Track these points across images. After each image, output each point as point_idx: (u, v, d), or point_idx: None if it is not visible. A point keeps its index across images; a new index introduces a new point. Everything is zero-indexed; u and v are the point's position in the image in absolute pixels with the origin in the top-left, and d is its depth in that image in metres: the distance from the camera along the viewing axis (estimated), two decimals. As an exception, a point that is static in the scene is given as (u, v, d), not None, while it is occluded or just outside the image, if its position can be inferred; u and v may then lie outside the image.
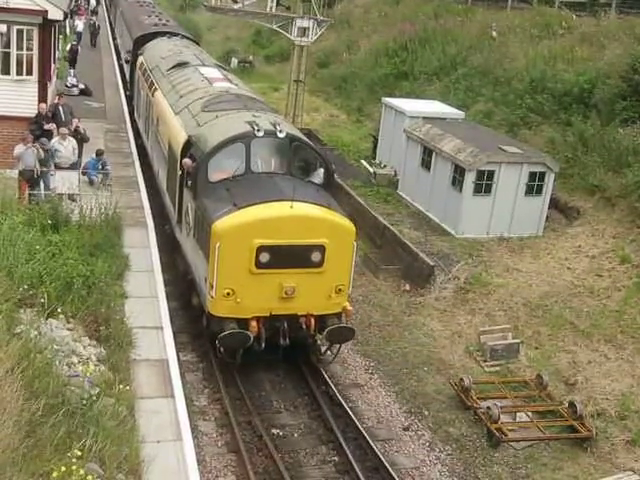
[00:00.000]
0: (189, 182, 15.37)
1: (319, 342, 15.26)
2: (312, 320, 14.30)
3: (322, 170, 15.73)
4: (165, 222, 18.90)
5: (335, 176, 16.70)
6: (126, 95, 31.30)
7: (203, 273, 14.36)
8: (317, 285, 14.07)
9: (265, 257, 13.58)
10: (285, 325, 14.12)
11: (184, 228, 16.22)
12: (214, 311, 13.96)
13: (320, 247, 13.89)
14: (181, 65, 22.61)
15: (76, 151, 19.28)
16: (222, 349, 14.06)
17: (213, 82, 19.98)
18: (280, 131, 15.15)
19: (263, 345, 14.05)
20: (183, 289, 16.69)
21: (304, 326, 14.29)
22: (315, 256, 13.91)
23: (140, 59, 27.01)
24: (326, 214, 14.23)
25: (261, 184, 14.58)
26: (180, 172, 16.09)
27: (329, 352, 15.52)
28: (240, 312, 13.85)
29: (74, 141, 19.29)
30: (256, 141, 15.01)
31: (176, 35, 30.54)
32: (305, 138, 16.43)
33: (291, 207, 13.61)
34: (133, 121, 27.36)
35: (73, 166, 18.91)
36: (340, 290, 14.43)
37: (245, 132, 15.08)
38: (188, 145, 16.11)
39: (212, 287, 13.70)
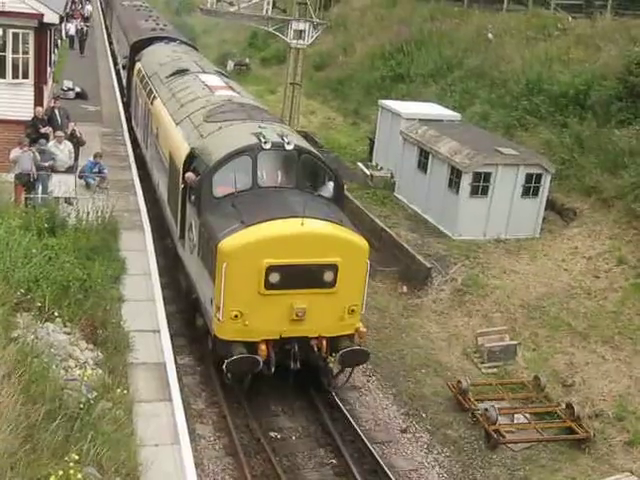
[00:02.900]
0: (192, 197, 14.71)
1: (331, 365, 14.44)
2: (324, 342, 13.64)
3: (331, 183, 15.06)
4: (166, 236, 18.32)
5: (345, 189, 15.81)
6: (123, 102, 30.87)
7: (209, 294, 13.62)
8: (329, 306, 13.40)
9: (275, 277, 12.89)
10: (296, 348, 13.42)
11: (187, 245, 15.48)
12: (221, 334, 13.26)
13: (333, 266, 13.19)
14: (181, 72, 21.97)
15: (72, 155, 19.27)
16: (229, 374, 13.38)
17: (215, 90, 19.35)
18: (288, 143, 14.41)
19: (273, 369, 13.40)
20: (187, 308, 16.17)
21: (315, 349, 13.61)
22: (327, 276, 13.22)
23: (137, 65, 26.46)
24: (339, 231, 13.50)
25: (269, 200, 13.84)
26: (182, 186, 15.41)
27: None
28: (248, 335, 13.18)
29: (70, 145, 19.29)
30: (263, 154, 14.29)
31: (174, 40, 30.01)
32: (313, 149, 15.72)
33: (302, 224, 12.88)
34: (130, 129, 26.98)
35: (69, 170, 18.90)
36: (353, 311, 13.73)
37: (251, 144, 14.35)
38: (191, 158, 15.44)
39: (219, 309, 13.00)
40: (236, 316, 13.01)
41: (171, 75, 21.89)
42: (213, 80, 21.02)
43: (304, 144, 15.71)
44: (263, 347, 13.20)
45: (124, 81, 31.88)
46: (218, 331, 13.29)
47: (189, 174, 14.95)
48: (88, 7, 54.37)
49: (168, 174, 17.62)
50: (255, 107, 18.06)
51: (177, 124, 17.63)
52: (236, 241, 12.86)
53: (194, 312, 15.27)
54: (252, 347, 13.16)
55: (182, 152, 15.97)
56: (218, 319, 13.09)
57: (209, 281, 13.55)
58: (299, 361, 13.49)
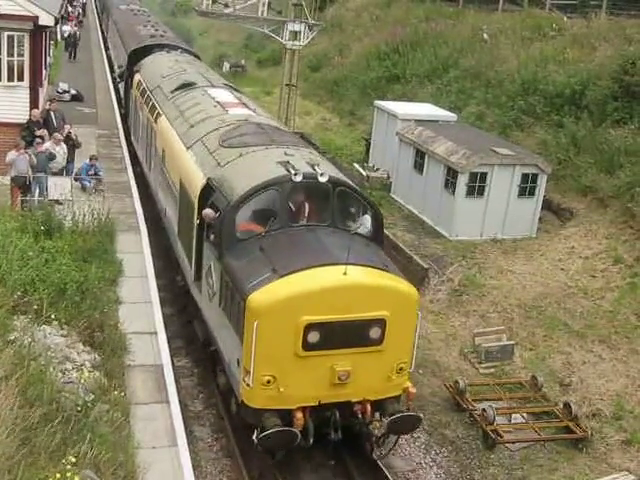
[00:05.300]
0: (211, 236, 12.97)
1: (375, 430, 12.38)
2: (368, 407, 11.90)
3: (368, 217, 13.20)
4: (175, 270, 16.98)
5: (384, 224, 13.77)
6: (120, 113, 29.48)
7: (235, 353, 11.84)
8: (376, 366, 11.70)
9: (315, 337, 11.14)
10: (337, 415, 11.72)
11: (205, 290, 13.59)
12: (250, 402, 11.47)
13: (380, 321, 11.46)
14: (187, 86, 20.15)
15: (65, 157, 19.25)
16: (261, 447, 11.58)
17: (228, 108, 17.48)
18: (321, 174, 12.53)
19: (311, 441, 11.66)
20: (205, 361, 14.87)
21: (359, 414, 11.92)
22: (374, 332, 11.48)
23: (137, 77, 24.67)
24: (386, 280, 11.73)
25: (303, 242, 12.14)
26: (198, 222, 13.65)
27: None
28: (282, 402, 11.42)
29: (64, 146, 19.29)
30: (294, 187, 12.49)
31: (175, 49, 27.93)
32: (348, 180, 13.78)
33: (344, 274, 11.14)
34: (130, 144, 25.68)
35: (62, 172, 18.89)
36: (401, 369, 12.04)
37: (280, 177, 12.54)
38: (208, 190, 13.53)
39: (248, 373, 11.16)
40: (269, 381, 11.28)
41: (176, 89, 20.16)
42: (224, 96, 19.23)
43: (338, 174, 13.84)
44: (299, 415, 11.46)
45: (121, 91, 30.47)
46: (247, 398, 11.51)
47: (207, 211, 13.08)
48: (79, 11, 53.84)
49: (178, 204, 15.96)
50: (276, 128, 16.26)
51: (188, 148, 15.81)
52: (269, 295, 11.07)
53: (213, 366, 13.95)
54: (286, 416, 11.48)
55: (197, 183, 14.16)
56: (247, 384, 11.28)
57: (235, 339, 11.77)
58: (340, 430, 11.84)
